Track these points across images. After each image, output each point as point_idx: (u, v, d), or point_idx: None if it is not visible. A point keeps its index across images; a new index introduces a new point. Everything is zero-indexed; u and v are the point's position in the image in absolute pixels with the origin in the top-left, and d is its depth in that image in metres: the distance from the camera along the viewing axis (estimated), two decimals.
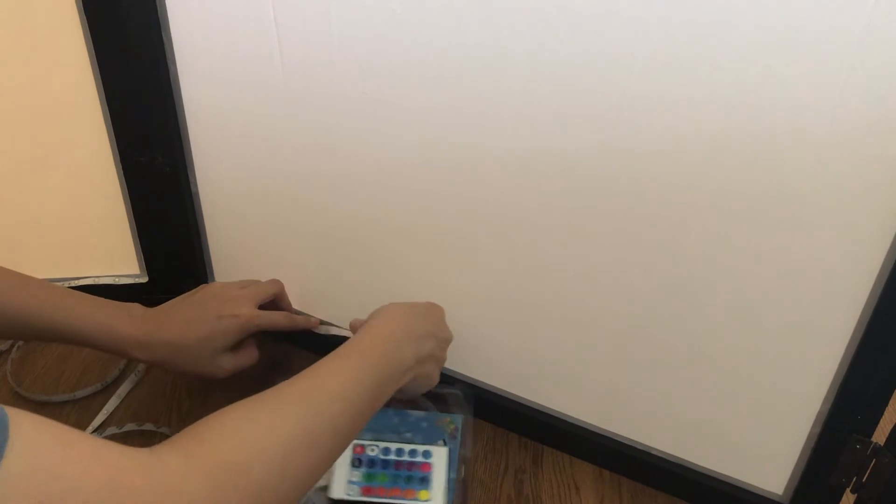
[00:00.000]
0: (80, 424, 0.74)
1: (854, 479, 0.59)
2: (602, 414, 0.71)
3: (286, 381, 0.52)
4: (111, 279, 0.87)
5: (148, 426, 0.74)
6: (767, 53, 0.48)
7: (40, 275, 0.67)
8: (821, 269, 0.54)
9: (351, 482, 0.63)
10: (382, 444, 0.66)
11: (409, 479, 0.65)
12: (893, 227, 0.50)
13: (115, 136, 0.78)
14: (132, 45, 0.72)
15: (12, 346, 0.83)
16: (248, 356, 0.71)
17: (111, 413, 0.76)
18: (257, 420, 0.48)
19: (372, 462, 0.66)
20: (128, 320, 0.67)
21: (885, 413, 0.56)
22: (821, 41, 0.46)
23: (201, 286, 0.74)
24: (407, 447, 0.67)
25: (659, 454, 0.69)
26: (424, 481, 0.65)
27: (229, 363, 0.69)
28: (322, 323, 0.79)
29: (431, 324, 0.67)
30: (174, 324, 0.68)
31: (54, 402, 0.76)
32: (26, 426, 0.35)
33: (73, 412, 0.76)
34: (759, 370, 0.60)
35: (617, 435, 0.71)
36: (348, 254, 0.76)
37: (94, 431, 0.73)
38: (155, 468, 0.41)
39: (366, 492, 0.63)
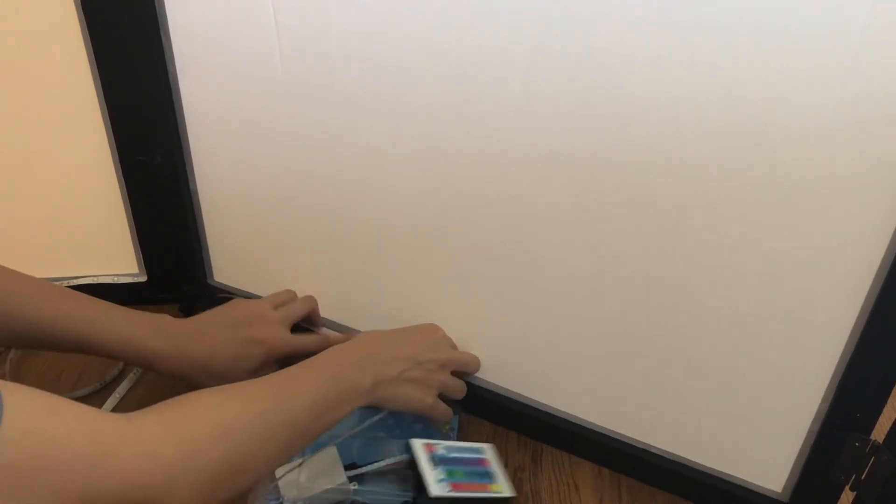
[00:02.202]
0: None
1: (853, 476, 0.59)
2: (601, 412, 0.71)
3: (257, 379, 0.57)
4: (110, 278, 0.87)
5: None
6: (767, 52, 0.48)
7: (40, 274, 0.67)
8: (820, 267, 0.54)
9: (440, 480, 0.64)
10: (444, 444, 0.68)
11: (481, 474, 0.66)
12: (892, 225, 0.50)
13: (115, 136, 0.78)
14: (131, 45, 0.72)
15: None
16: (267, 371, 0.72)
17: (110, 412, 0.75)
18: (228, 406, 0.53)
19: (444, 460, 0.66)
20: (154, 334, 0.67)
21: (884, 411, 0.56)
22: (820, 40, 0.47)
23: (236, 301, 0.74)
24: (459, 445, 0.69)
25: (658, 452, 0.69)
26: (488, 475, 0.66)
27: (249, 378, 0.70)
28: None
29: (408, 348, 0.67)
30: (202, 343, 0.68)
31: None
32: (19, 395, 0.39)
33: None
34: (758, 368, 0.60)
35: (616, 433, 0.71)
36: (348, 253, 0.76)
37: None
38: (132, 432, 0.45)
39: (455, 487, 0.64)
